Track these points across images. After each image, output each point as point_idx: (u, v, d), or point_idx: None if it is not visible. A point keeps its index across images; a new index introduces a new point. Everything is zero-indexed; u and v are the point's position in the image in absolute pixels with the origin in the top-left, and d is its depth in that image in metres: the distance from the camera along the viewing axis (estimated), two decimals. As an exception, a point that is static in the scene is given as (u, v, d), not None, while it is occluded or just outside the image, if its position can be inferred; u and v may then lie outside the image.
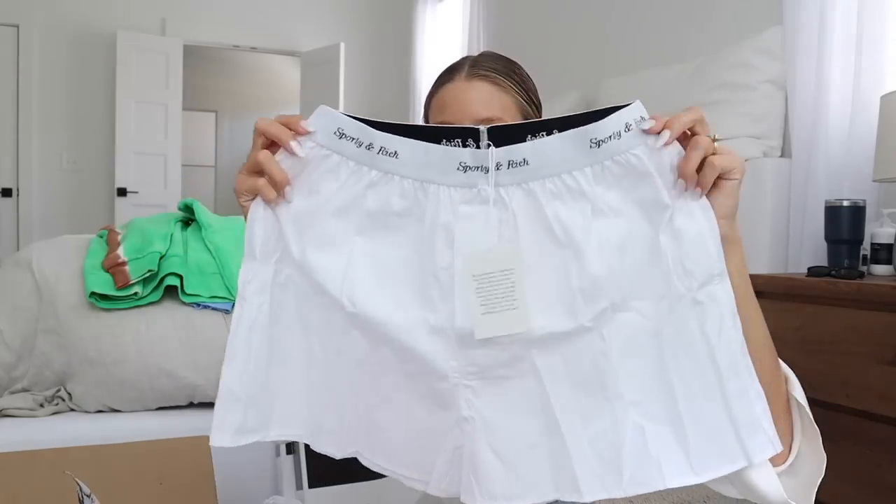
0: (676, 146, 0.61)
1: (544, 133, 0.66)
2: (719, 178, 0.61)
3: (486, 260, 0.62)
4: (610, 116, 0.62)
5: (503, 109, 0.92)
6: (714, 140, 0.61)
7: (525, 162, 0.62)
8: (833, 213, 1.84)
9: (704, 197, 0.61)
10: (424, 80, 4.57)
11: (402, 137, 0.64)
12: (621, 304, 0.61)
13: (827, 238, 1.88)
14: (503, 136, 0.64)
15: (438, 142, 0.65)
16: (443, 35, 4.63)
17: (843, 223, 1.83)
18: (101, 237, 1.73)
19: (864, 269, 1.80)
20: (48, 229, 4.29)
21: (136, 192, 4.57)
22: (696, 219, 0.61)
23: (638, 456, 0.61)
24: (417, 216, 0.64)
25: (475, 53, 1.01)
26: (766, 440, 0.60)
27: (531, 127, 0.65)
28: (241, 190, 0.66)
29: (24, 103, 4.45)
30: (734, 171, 0.61)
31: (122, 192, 4.54)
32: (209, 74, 7.09)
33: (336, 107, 4.78)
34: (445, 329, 0.62)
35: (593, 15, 3.32)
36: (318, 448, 0.69)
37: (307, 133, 0.64)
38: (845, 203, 1.83)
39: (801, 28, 2.12)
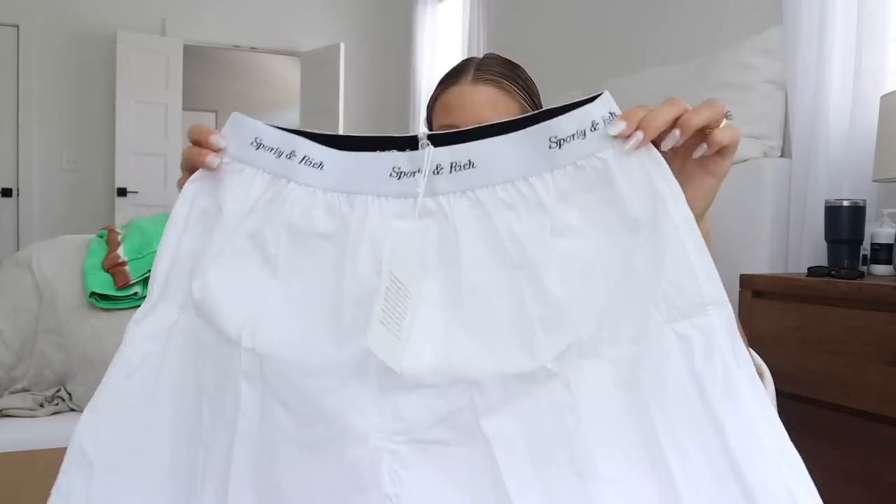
0: (654, 152, 0.50)
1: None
2: (716, 154, 0.52)
3: (404, 265, 0.51)
4: (574, 111, 0.51)
5: (508, 113, 0.93)
6: (727, 116, 0.52)
7: (471, 164, 0.52)
8: (833, 213, 1.84)
9: (686, 206, 0.50)
10: (425, 80, 4.57)
11: (329, 148, 0.55)
12: (590, 350, 0.49)
13: (827, 238, 1.89)
14: (448, 142, 0.55)
15: (372, 152, 0.56)
16: (443, 35, 4.63)
17: (843, 223, 1.83)
18: (101, 237, 1.73)
19: (864, 269, 1.80)
20: (48, 229, 4.29)
21: (136, 192, 4.57)
22: (677, 232, 0.49)
23: None
24: (343, 236, 0.53)
25: (475, 53, 1.02)
26: None
27: (482, 133, 0.55)
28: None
29: (24, 103, 4.45)
30: (735, 146, 0.52)
31: (122, 192, 4.54)
32: (209, 74, 7.08)
33: (336, 107, 4.80)
34: (365, 367, 0.49)
35: (593, 15, 3.31)
36: None
37: (219, 149, 0.56)
38: (845, 203, 1.83)
39: (801, 28, 2.12)
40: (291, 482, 0.51)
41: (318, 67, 4.98)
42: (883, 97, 1.78)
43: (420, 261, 0.52)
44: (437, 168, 0.52)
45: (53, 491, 0.54)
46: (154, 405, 0.55)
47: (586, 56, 3.34)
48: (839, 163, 2.01)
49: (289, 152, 0.55)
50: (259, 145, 0.56)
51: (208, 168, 0.55)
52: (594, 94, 0.52)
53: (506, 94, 0.93)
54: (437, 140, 0.55)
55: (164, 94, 4.67)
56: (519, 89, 0.95)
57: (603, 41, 3.24)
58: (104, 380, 0.55)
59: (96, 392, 0.55)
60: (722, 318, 0.48)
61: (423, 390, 0.49)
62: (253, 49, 5.16)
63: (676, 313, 0.48)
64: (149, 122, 4.61)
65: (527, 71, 1.01)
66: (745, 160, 2.15)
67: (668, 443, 0.47)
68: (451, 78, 0.96)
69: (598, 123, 0.50)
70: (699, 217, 0.53)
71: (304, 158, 0.55)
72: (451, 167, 0.52)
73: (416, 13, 4.65)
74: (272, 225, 0.55)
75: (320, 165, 0.55)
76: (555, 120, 0.50)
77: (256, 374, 0.52)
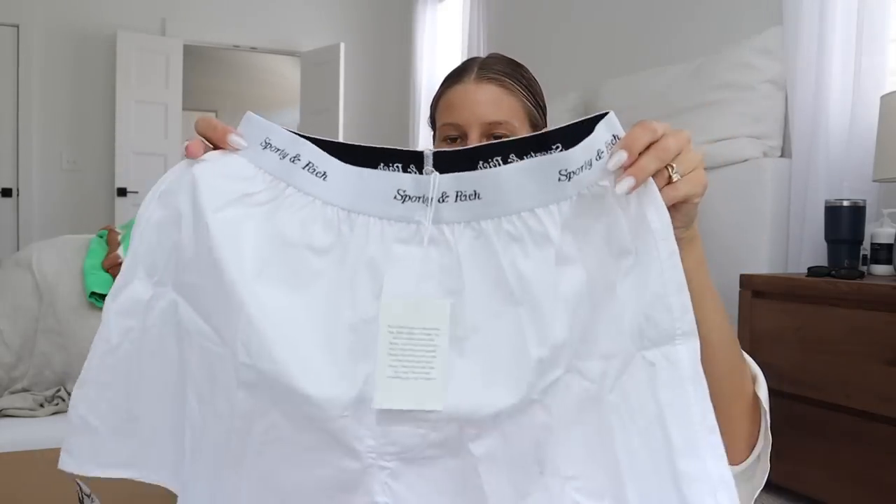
0: (650, 184, 0.51)
1: (499, 159, 0.55)
2: (680, 202, 0.53)
3: (409, 310, 0.50)
4: (582, 143, 0.50)
5: (511, 112, 0.93)
6: (670, 178, 0.52)
7: (476, 195, 0.51)
8: (833, 213, 1.85)
9: (674, 241, 0.51)
10: (425, 81, 4.57)
11: (335, 159, 0.54)
12: (567, 365, 0.51)
13: (827, 238, 1.89)
14: (451, 163, 0.54)
15: (376, 165, 0.55)
16: (443, 35, 4.63)
17: (843, 223, 1.83)
18: (101, 237, 1.73)
19: (864, 269, 1.80)
20: (48, 229, 4.29)
21: (136, 192, 4.56)
22: (661, 269, 0.50)
23: None
24: (340, 255, 0.52)
25: (475, 54, 1.02)
26: None
27: (482, 152, 0.55)
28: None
29: (24, 103, 4.45)
30: (695, 195, 0.54)
31: (122, 192, 4.54)
32: (209, 74, 7.09)
33: (336, 107, 4.80)
34: (363, 399, 0.50)
35: (593, 15, 3.32)
36: None
37: (237, 150, 0.54)
38: (845, 203, 1.83)
39: (801, 28, 2.12)
40: (286, 483, 0.52)
41: (318, 67, 4.98)
42: (883, 97, 1.78)
43: (420, 290, 0.51)
44: (442, 196, 0.51)
45: (63, 450, 0.55)
46: (140, 377, 0.55)
47: (586, 56, 3.34)
48: (839, 163, 2.01)
49: (293, 155, 0.53)
50: (267, 145, 0.54)
51: (191, 156, 0.54)
52: (600, 113, 0.51)
53: (509, 92, 0.94)
54: (444, 158, 0.54)
55: (164, 94, 4.67)
56: (522, 88, 0.95)
57: (603, 41, 3.24)
58: (89, 357, 0.55)
59: (83, 369, 0.55)
60: (688, 349, 0.51)
61: (419, 423, 0.50)
62: (253, 49, 5.16)
63: (649, 343, 0.51)
64: (149, 122, 4.61)
65: (527, 71, 1.01)
66: (745, 160, 2.15)
67: (622, 452, 0.51)
68: (455, 77, 0.97)
69: (602, 152, 0.50)
70: (687, 226, 0.55)
71: (308, 164, 0.53)
72: (457, 196, 0.51)
73: (416, 13, 4.65)
74: (263, 227, 0.53)
75: (324, 175, 0.53)
76: (566, 153, 0.50)
77: (254, 385, 0.51)
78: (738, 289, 1.85)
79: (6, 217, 4.46)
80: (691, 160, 0.53)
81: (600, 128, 0.50)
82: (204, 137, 0.55)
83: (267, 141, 0.54)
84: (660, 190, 0.51)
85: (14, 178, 4.48)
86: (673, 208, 0.52)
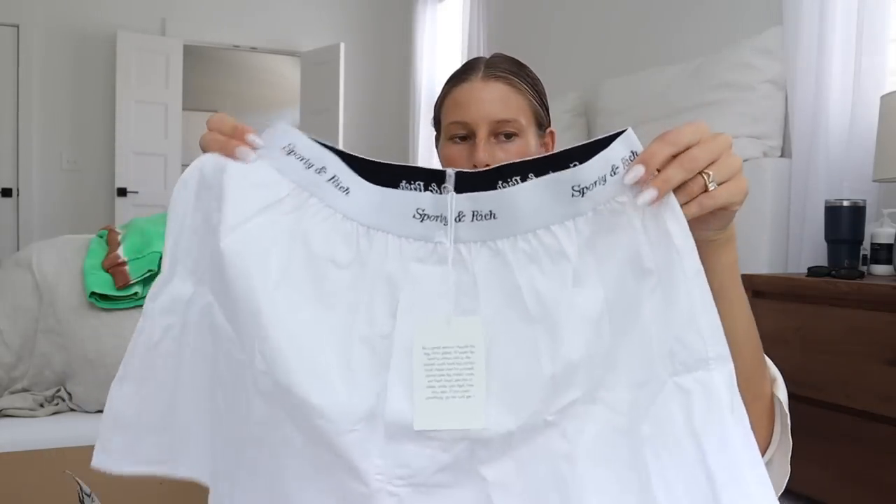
0: (671, 200, 0.49)
1: (518, 178, 0.55)
2: (719, 209, 0.51)
3: (444, 330, 0.50)
4: (596, 157, 0.49)
5: (518, 110, 0.93)
6: (706, 186, 0.50)
7: (492, 215, 0.51)
8: (833, 213, 1.85)
9: (697, 258, 0.49)
10: (425, 81, 4.57)
11: (359, 177, 0.54)
12: (590, 396, 0.49)
13: (827, 238, 1.89)
14: (472, 182, 0.54)
15: (397, 184, 0.55)
16: (443, 35, 4.63)
17: (843, 223, 1.83)
18: (101, 237, 1.73)
19: (864, 269, 1.80)
20: (48, 229, 4.29)
21: (136, 192, 4.56)
22: (688, 288, 0.48)
23: None
24: (358, 270, 0.53)
25: (475, 54, 1.02)
26: None
27: (502, 172, 0.55)
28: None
29: (24, 103, 4.45)
30: (735, 203, 0.51)
31: (122, 192, 4.53)
32: (209, 74, 7.08)
33: (336, 107, 4.80)
34: (374, 414, 0.50)
35: (593, 15, 3.31)
36: None
37: (254, 148, 0.54)
38: (845, 203, 1.83)
39: (801, 28, 2.12)
40: (295, 495, 0.52)
41: (318, 67, 4.98)
42: (883, 97, 1.78)
43: (437, 309, 0.51)
44: (459, 215, 0.52)
45: (97, 447, 0.56)
46: (179, 372, 0.56)
47: (586, 56, 3.34)
48: (839, 163, 2.01)
49: (319, 167, 0.53)
50: (290, 152, 0.54)
51: (239, 160, 0.53)
52: (618, 131, 0.51)
53: (516, 91, 0.94)
54: (465, 178, 0.54)
55: (164, 94, 4.66)
56: (528, 87, 0.96)
57: (603, 41, 3.24)
58: (128, 354, 0.56)
59: (122, 365, 0.56)
60: (723, 374, 0.48)
61: (428, 441, 0.50)
62: (253, 49, 5.16)
63: (681, 368, 0.49)
64: (149, 122, 4.60)
65: (529, 71, 1.02)
66: (745, 160, 2.15)
67: (660, 490, 0.48)
68: (461, 75, 0.97)
69: (617, 167, 0.49)
70: (725, 228, 0.54)
71: (332, 178, 0.53)
72: (473, 215, 0.52)
73: (416, 13, 4.65)
74: (289, 238, 0.53)
75: (347, 191, 0.53)
76: (579, 168, 0.50)
77: (270, 395, 0.51)
78: (738, 289, 1.85)
79: (6, 217, 4.45)
80: (730, 166, 0.51)
81: (616, 144, 0.49)
82: (221, 133, 0.54)
83: (290, 147, 0.54)
84: (696, 198, 0.50)
85: (14, 178, 4.47)
86: (710, 214, 0.51)
